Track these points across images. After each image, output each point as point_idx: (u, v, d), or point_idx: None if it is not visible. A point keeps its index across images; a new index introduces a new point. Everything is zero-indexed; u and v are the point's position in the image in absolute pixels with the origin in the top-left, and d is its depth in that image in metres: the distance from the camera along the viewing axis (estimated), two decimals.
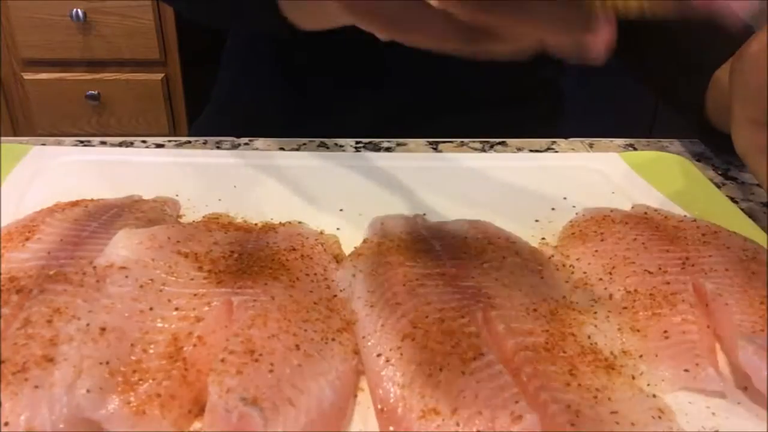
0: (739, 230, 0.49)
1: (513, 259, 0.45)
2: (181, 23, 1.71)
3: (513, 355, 0.36)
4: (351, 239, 0.50)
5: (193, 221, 0.51)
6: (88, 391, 0.32)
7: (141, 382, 0.33)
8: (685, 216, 0.52)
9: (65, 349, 0.34)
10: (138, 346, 0.35)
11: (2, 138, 0.65)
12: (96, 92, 1.77)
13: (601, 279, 0.44)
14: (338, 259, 0.46)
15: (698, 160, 0.68)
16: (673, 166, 0.65)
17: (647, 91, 0.77)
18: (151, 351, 0.35)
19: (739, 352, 0.37)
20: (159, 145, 0.68)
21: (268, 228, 0.49)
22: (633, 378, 0.37)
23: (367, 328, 0.38)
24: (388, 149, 0.69)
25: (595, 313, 0.41)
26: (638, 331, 0.40)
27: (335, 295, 0.42)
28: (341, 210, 0.55)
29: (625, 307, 0.42)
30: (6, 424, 0.31)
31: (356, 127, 0.73)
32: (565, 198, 0.58)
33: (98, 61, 1.75)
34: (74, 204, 0.51)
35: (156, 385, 0.33)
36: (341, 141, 0.70)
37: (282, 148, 0.68)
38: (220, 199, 0.56)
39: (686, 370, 0.37)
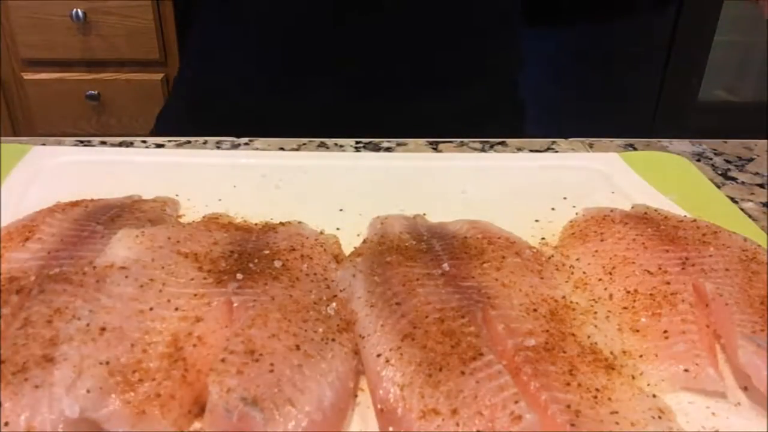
0: (739, 230, 0.49)
1: (513, 259, 0.45)
2: (181, 23, 1.71)
3: (513, 355, 0.36)
4: (351, 239, 0.50)
5: (193, 221, 0.51)
6: (88, 391, 0.32)
7: (141, 382, 0.33)
8: (685, 216, 0.52)
9: (65, 349, 0.34)
10: (138, 346, 0.35)
11: (2, 138, 0.65)
12: (96, 92, 1.77)
13: (601, 279, 0.44)
14: (338, 259, 0.46)
15: (698, 160, 0.68)
16: (673, 166, 0.65)
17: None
18: (151, 351, 0.35)
19: (739, 352, 0.37)
20: (159, 145, 0.68)
21: (268, 228, 0.49)
22: (633, 378, 0.37)
23: (367, 328, 0.38)
24: (388, 149, 0.69)
25: (595, 313, 0.41)
26: (638, 331, 0.40)
27: (335, 295, 0.42)
28: (341, 210, 0.55)
29: (625, 307, 0.42)
30: (6, 424, 0.31)
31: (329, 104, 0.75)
32: (565, 198, 0.58)
33: (98, 61, 1.75)
34: (74, 204, 0.51)
35: (156, 385, 0.33)
36: (341, 141, 0.70)
37: (282, 148, 0.68)
38: (220, 199, 0.56)
39: (686, 370, 0.37)
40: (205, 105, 0.86)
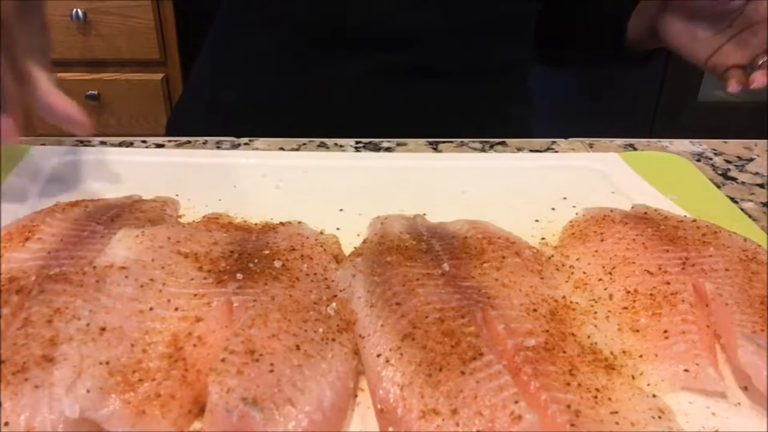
0: (739, 230, 0.49)
1: (513, 259, 0.45)
2: (181, 23, 1.71)
3: (513, 355, 0.36)
4: (351, 239, 0.50)
5: (193, 221, 0.51)
6: (88, 391, 0.32)
7: (141, 382, 0.33)
8: (685, 216, 0.52)
9: (65, 349, 0.34)
10: (138, 346, 0.35)
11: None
12: (96, 92, 1.77)
13: (601, 279, 0.44)
14: (338, 259, 0.46)
15: (698, 160, 0.68)
16: (673, 166, 0.65)
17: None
18: (151, 351, 0.35)
19: (739, 352, 0.37)
20: (159, 145, 0.68)
21: (268, 228, 0.49)
22: (633, 378, 0.37)
23: (367, 328, 0.38)
24: (388, 149, 0.69)
25: (595, 313, 0.41)
26: (638, 331, 0.40)
27: (335, 295, 0.42)
28: (341, 210, 0.55)
29: (625, 307, 0.42)
30: (6, 424, 0.31)
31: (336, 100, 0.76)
32: (565, 198, 0.58)
33: (98, 61, 1.75)
34: (74, 204, 0.51)
35: (156, 385, 0.33)
36: (341, 141, 0.70)
37: (282, 148, 0.68)
38: (220, 199, 0.56)
39: (686, 370, 0.37)
40: (208, 104, 0.86)
